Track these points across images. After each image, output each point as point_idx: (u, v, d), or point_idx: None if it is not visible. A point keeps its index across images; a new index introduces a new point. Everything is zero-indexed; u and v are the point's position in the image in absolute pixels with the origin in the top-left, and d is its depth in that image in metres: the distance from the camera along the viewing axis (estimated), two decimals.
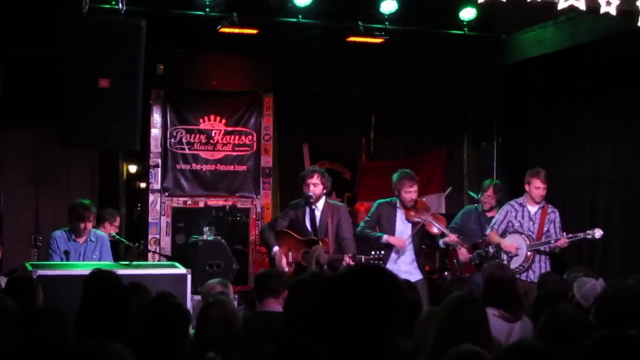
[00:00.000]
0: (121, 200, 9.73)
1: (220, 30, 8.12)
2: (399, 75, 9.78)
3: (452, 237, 7.73)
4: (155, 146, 9.26)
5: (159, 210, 9.25)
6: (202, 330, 4.25)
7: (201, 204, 9.39)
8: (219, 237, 7.99)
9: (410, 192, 7.57)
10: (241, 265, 8.28)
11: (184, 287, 6.29)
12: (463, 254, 8.07)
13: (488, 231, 7.87)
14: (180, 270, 6.61)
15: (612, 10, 6.48)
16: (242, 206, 9.48)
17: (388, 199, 7.78)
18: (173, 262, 7.25)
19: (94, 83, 6.31)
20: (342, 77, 9.84)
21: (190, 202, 9.38)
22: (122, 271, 5.95)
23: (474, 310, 3.70)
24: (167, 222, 9.25)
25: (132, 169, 10.75)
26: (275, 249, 7.40)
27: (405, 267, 7.54)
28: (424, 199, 8.16)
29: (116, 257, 7.82)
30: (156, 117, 9.24)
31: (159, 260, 8.56)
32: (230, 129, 9.47)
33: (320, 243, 7.29)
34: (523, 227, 7.71)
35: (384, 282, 2.59)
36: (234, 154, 9.49)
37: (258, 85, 9.54)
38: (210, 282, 5.67)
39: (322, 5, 7.89)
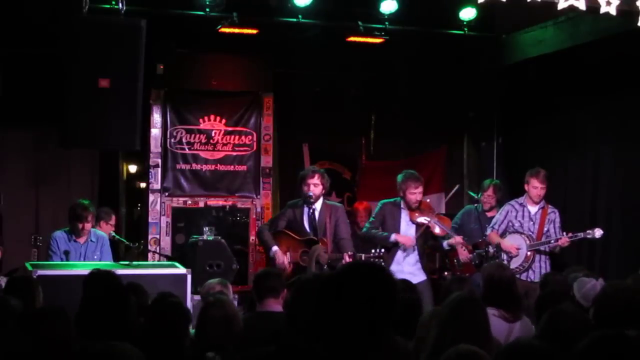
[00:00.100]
0: (121, 200, 9.73)
1: (220, 30, 8.12)
2: (399, 75, 9.78)
3: (457, 239, 7.73)
4: (155, 146, 9.26)
5: (159, 210, 9.26)
6: (203, 329, 4.25)
7: (201, 204, 9.39)
8: (219, 237, 7.98)
9: (415, 194, 7.53)
10: (241, 265, 8.27)
11: (184, 287, 6.30)
12: (463, 254, 8.06)
13: (488, 231, 7.87)
14: (180, 270, 6.62)
15: (612, 10, 6.48)
16: (242, 206, 9.48)
17: (392, 199, 7.74)
18: (173, 262, 7.25)
19: (94, 83, 6.31)
20: (342, 77, 9.84)
21: (190, 202, 9.38)
22: (122, 271, 5.96)
23: (475, 310, 3.71)
24: (167, 222, 9.25)
25: (132, 169, 10.75)
26: (274, 248, 7.36)
27: (409, 268, 7.53)
28: (428, 200, 8.14)
29: (116, 257, 7.82)
30: (156, 117, 9.25)
31: (159, 260, 8.56)
32: (230, 129, 9.47)
33: (320, 243, 7.29)
34: (523, 227, 7.71)
35: (378, 279, 2.60)
36: (234, 154, 9.49)
37: (258, 85, 9.55)
38: (210, 282, 5.67)
39: (322, 5, 7.90)
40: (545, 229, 7.67)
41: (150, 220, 9.24)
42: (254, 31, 8.52)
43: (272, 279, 5.02)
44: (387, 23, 8.18)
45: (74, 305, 4.02)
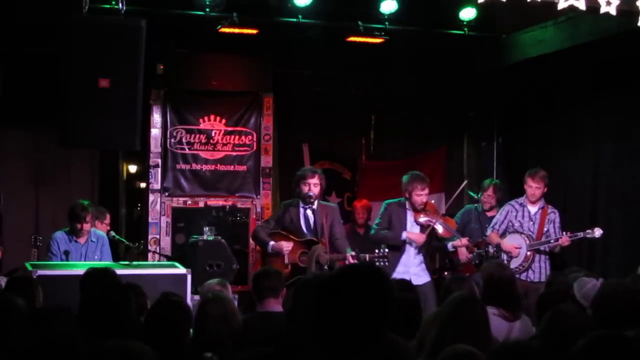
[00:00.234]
0: (121, 200, 9.73)
1: (220, 30, 8.12)
2: (399, 75, 9.78)
3: (463, 241, 7.72)
4: (155, 146, 9.26)
5: (159, 210, 9.26)
6: (200, 326, 4.23)
7: (201, 204, 9.39)
8: (219, 237, 7.98)
9: (421, 195, 7.49)
10: (241, 265, 8.27)
11: (184, 287, 6.30)
12: (463, 254, 8.07)
13: (489, 232, 7.87)
14: (180, 270, 6.62)
15: (612, 10, 6.48)
16: (242, 206, 9.48)
17: (396, 200, 7.70)
18: (173, 262, 7.25)
19: (94, 83, 6.31)
20: (342, 77, 9.84)
21: (190, 202, 9.38)
22: (122, 271, 5.95)
23: (475, 309, 3.71)
24: (167, 222, 9.25)
25: (132, 169, 10.75)
26: (272, 243, 7.29)
27: (414, 269, 7.51)
28: (432, 201, 8.13)
29: (116, 257, 7.82)
30: (156, 117, 9.25)
31: (159, 260, 8.56)
32: (230, 129, 9.47)
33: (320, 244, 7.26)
34: (523, 227, 7.71)
35: (375, 281, 2.60)
36: (234, 154, 9.49)
37: (258, 85, 9.54)
38: (209, 282, 5.66)
39: (322, 5, 7.89)
40: (545, 229, 7.67)
41: (150, 220, 9.24)
42: (254, 31, 8.52)
43: (272, 279, 5.01)
44: (387, 23, 8.18)
45: (74, 305, 4.02)
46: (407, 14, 8.22)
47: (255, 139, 9.52)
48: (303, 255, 7.26)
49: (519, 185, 7.92)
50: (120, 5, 6.62)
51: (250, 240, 9.25)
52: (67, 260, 7.16)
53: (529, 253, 7.62)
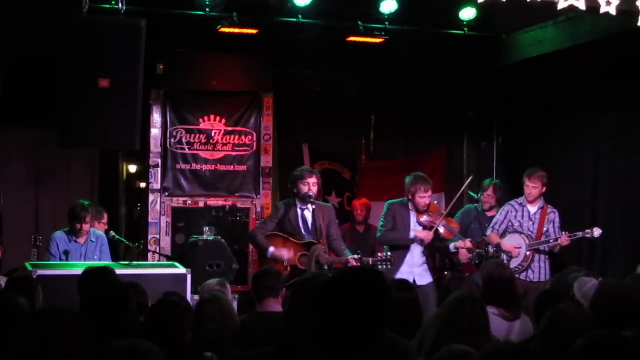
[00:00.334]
0: (121, 200, 9.73)
1: (220, 30, 8.12)
2: (399, 75, 9.78)
3: (466, 243, 7.72)
4: (155, 146, 9.26)
5: (159, 210, 9.26)
6: (199, 327, 4.23)
7: (201, 204, 9.39)
8: (219, 237, 7.97)
9: (424, 198, 7.46)
10: (241, 265, 8.26)
11: (184, 287, 6.30)
12: (464, 254, 8.07)
13: (489, 232, 7.87)
14: (180, 270, 6.62)
15: (612, 10, 6.49)
16: (242, 206, 9.48)
17: (399, 200, 7.67)
18: (173, 262, 7.25)
19: (94, 83, 6.31)
20: (342, 77, 9.84)
21: (190, 202, 9.38)
22: (122, 271, 5.95)
23: (476, 309, 3.71)
24: (167, 222, 9.25)
25: (132, 169, 10.75)
26: (271, 249, 7.22)
27: (417, 269, 7.50)
28: (435, 202, 8.12)
29: (116, 257, 7.83)
30: (156, 117, 9.25)
31: (159, 260, 8.56)
32: (230, 129, 9.47)
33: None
34: (523, 227, 7.71)
35: (374, 283, 2.60)
36: (234, 154, 9.49)
37: (258, 85, 9.54)
38: (209, 282, 5.66)
39: (322, 5, 7.90)
40: (545, 229, 7.68)
41: (150, 220, 9.24)
42: (254, 31, 8.52)
43: (271, 279, 5.00)
44: (387, 23, 8.18)
45: (74, 306, 4.01)
46: (407, 14, 8.22)
47: (255, 139, 9.52)
48: (303, 258, 7.20)
49: (519, 185, 7.92)
50: (120, 5, 6.63)
51: None
52: (67, 260, 7.16)
53: (528, 253, 7.62)
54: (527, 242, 7.63)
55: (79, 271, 5.74)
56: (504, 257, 7.59)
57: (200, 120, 9.39)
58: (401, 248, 7.49)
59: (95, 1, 6.94)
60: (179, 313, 4.06)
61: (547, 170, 7.84)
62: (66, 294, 5.15)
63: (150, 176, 9.25)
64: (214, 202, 9.41)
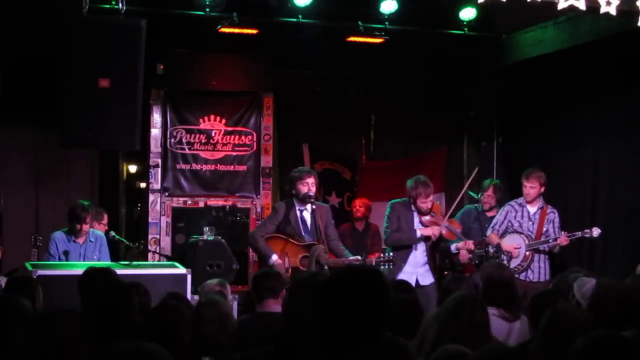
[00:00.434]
0: (121, 200, 9.73)
1: (220, 30, 8.12)
2: (399, 75, 9.78)
3: (469, 244, 7.71)
4: (155, 146, 9.26)
5: (159, 210, 9.26)
6: (196, 330, 4.22)
7: (201, 204, 9.39)
8: (219, 237, 7.96)
9: (426, 202, 7.44)
10: (241, 265, 8.25)
11: (184, 287, 6.29)
12: (463, 254, 8.07)
13: (489, 232, 7.87)
14: (180, 270, 6.61)
15: (612, 10, 6.49)
16: (242, 206, 9.48)
17: (401, 200, 7.66)
18: (173, 262, 7.25)
19: (94, 83, 6.31)
20: (342, 77, 9.84)
21: (190, 202, 9.38)
22: (122, 271, 5.95)
23: (476, 310, 3.71)
24: (167, 222, 9.25)
25: (132, 169, 10.76)
26: (274, 257, 7.11)
27: (420, 269, 7.51)
28: (438, 202, 8.10)
29: (116, 257, 7.83)
30: (156, 117, 9.25)
31: (159, 260, 8.56)
32: (230, 129, 9.47)
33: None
34: (522, 227, 7.71)
35: (372, 282, 2.60)
36: (234, 154, 9.49)
37: (258, 85, 9.55)
38: (209, 282, 5.66)
39: (322, 5, 7.89)
40: (545, 229, 7.68)
41: (150, 220, 9.24)
42: (254, 31, 8.52)
43: (271, 280, 5.00)
44: (387, 23, 8.18)
45: (74, 306, 4.01)
46: (407, 14, 8.22)
47: (255, 139, 9.52)
48: (304, 259, 7.14)
49: (518, 185, 7.92)
50: (120, 5, 6.63)
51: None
52: (66, 260, 7.16)
53: (527, 253, 7.62)
54: (527, 242, 7.63)
55: (79, 271, 5.74)
56: (504, 257, 7.59)
57: (200, 120, 9.40)
58: (404, 248, 7.48)
59: (95, 1, 6.94)
60: (177, 317, 4.05)
61: (547, 170, 7.84)
62: (66, 294, 5.15)
63: (150, 176, 9.25)
64: (214, 202, 9.41)
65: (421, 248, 7.53)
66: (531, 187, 7.67)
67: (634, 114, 8.14)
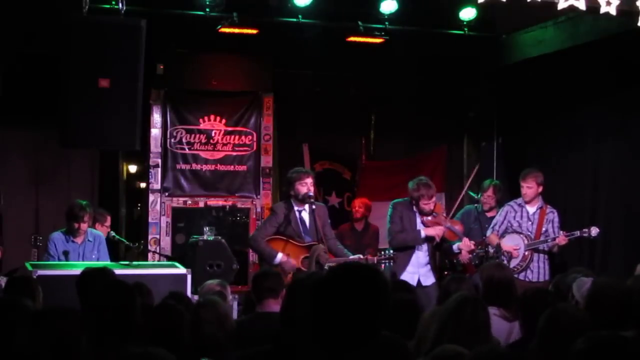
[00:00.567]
0: (121, 200, 9.74)
1: (220, 30, 8.12)
2: (399, 75, 9.78)
3: (471, 245, 7.71)
4: (155, 146, 9.27)
5: (159, 210, 9.26)
6: (196, 331, 4.21)
7: (201, 204, 9.40)
8: (219, 237, 7.97)
9: (428, 204, 7.44)
10: (241, 265, 8.26)
11: (184, 287, 6.29)
12: (463, 254, 8.07)
13: (489, 232, 7.87)
14: (180, 270, 6.62)
15: (612, 10, 6.49)
16: (242, 206, 9.49)
17: (402, 199, 7.65)
18: (173, 262, 7.25)
19: (94, 83, 6.31)
20: (342, 77, 9.85)
21: (190, 202, 9.38)
22: (122, 271, 5.95)
23: (477, 310, 3.71)
24: (167, 222, 9.25)
25: (132, 169, 10.76)
26: (279, 256, 7.04)
27: (422, 270, 7.50)
28: (439, 202, 8.09)
29: (116, 257, 7.83)
30: (156, 117, 9.25)
31: (159, 260, 8.56)
32: (230, 129, 9.47)
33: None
34: (522, 227, 7.71)
35: (369, 279, 2.60)
36: (234, 154, 9.49)
37: (258, 85, 9.55)
38: (209, 282, 5.66)
39: (322, 5, 7.89)
40: (544, 229, 7.68)
41: (150, 220, 9.25)
42: (254, 31, 8.52)
43: (271, 279, 4.99)
44: (387, 23, 8.18)
45: (74, 306, 4.01)
46: (407, 14, 8.22)
47: (255, 139, 9.52)
48: (305, 260, 7.11)
49: (518, 185, 7.92)
50: (120, 5, 6.62)
51: None
52: (66, 260, 7.16)
53: (526, 253, 7.63)
54: (525, 242, 7.63)
55: (79, 271, 5.73)
56: (504, 257, 7.58)
57: (200, 120, 9.40)
58: (407, 249, 7.48)
59: (95, 1, 6.94)
60: (175, 317, 4.04)
61: (547, 170, 7.84)
62: (66, 294, 5.14)
63: (150, 176, 9.26)
64: (214, 202, 9.41)
65: (424, 248, 7.53)
66: (528, 187, 7.68)
67: (634, 114, 8.14)
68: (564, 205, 8.50)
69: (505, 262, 7.38)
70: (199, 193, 9.41)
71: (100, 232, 7.66)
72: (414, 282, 7.22)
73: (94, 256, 7.35)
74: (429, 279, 7.50)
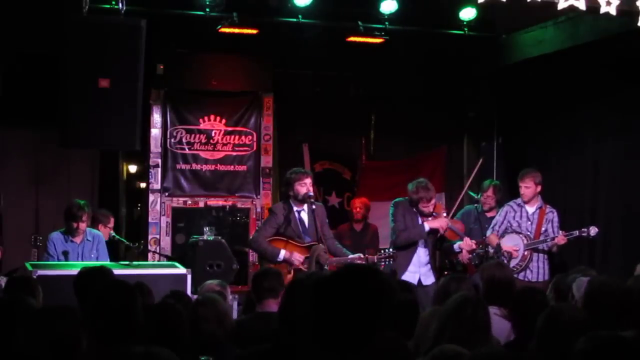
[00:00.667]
0: (121, 200, 9.74)
1: (220, 30, 8.12)
2: (399, 75, 9.78)
3: (471, 244, 7.71)
4: (155, 146, 9.27)
5: (159, 210, 9.26)
6: (195, 329, 4.21)
7: (201, 204, 9.40)
8: (219, 237, 7.97)
9: (428, 206, 7.45)
10: (241, 265, 8.26)
11: (184, 287, 6.29)
12: (464, 254, 8.07)
13: (488, 233, 7.87)
14: (180, 270, 6.61)
15: (612, 10, 6.49)
16: (242, 206, 9.49)
17: (403, 199, 7.64)
18: (173, 262, 7.25)
19: (94, 83, 6.31)
20: (342, 77, 9.85)
21: (190, 202, 9.39)
22: (122, 271, 5.95)
23: (478, 310, 3.71)
24: (167, 222, 9.25)
25: (132, 169, 10.76)
26: (283, 252, 7.03)
27: (422, 269, 7.51)
28: (440, 202, 8.09)
29: (116, 257, 7.82)
30: (156, 117, 9.25)
31: (159, 260, 8.56)
32: (230, 129, 9.47)
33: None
34: (521, 227, 7.72)
35: (374, 281, 2.60)
36: (234, 154, 9.50)
37: (258, 85, 9.55)
38: (209, 282, 5.66)
39: (322, 5, 7.89)
40: (543, 228, 7.68)
41: (150, 220, 9.24)
42: (254, 31, 8.52)
43: (271, 279, 4.99)
44: (387, 23, 8.18)
45: (74, 306, 4.00)
46: (407, 14, 8.22)
47: (255, 139, 9.52)
48: (306, 260, 7.10)
49: (518, 185, 7.92)
50: (120, 5, 6.62)
51: None
52: (66, 260, 7.15)
53: (526, 253, 7.63)
54: (525, 242, 7.64)
55: (78, 271, 5.74)
56: (504, 257, 7.58)
57: (200, 120, 9.40)
58: (408, 248, 7.48)
59: (95, 1, 6.94)
60: (174, 316, 4.04)
61: (546, 170, 7.85)
62: (66, 294, 5.13)
63: (150, 176, 9.26)
64: (214, 202, 9.41)
65: (424, 248, 7.54)
66: (526, 187, 7.68)
67: (633, 114, 8.14)
68: (564, 205, 8.50)
69: (505, 262, 7.38)
70: (199, 193, 9.41)
71: (101, 232, 7.64)
72: (414, 281, 7.25)
73: (93, 256, 7.35)
74: (429, 279, 7.51)
